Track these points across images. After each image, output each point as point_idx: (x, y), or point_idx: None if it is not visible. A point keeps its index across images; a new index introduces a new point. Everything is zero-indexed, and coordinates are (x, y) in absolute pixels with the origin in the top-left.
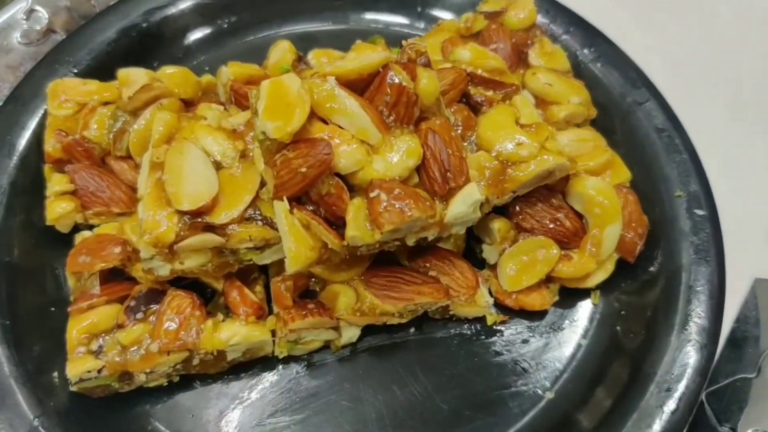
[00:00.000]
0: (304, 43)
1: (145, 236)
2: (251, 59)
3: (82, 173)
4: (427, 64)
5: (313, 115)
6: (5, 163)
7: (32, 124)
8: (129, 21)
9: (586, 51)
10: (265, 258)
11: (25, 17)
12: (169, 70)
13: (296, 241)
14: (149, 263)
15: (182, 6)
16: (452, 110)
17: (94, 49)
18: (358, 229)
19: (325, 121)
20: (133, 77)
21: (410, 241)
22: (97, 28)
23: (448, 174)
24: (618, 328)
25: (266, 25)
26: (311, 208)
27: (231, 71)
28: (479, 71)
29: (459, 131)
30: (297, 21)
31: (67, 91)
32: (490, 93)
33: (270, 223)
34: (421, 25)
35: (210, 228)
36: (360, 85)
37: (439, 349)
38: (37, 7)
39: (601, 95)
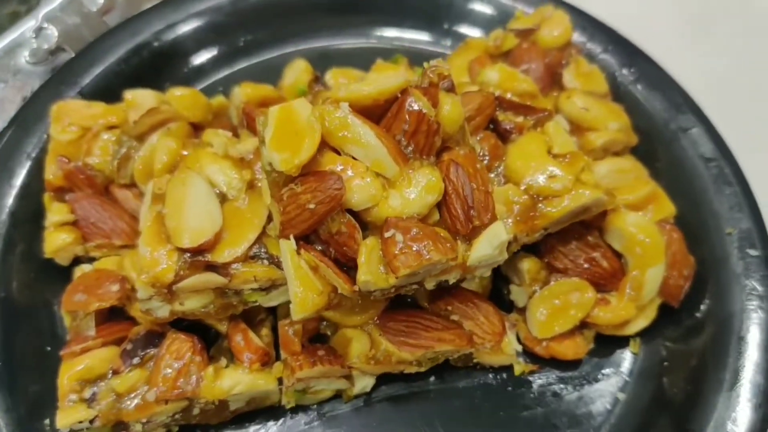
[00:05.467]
0: (324, 62)
1: (142, 275)
2: (268, 79)
3: (84, 203)
4: (451, 89)
5: (325, 145)
6: (5, 190)
7: (34, 150)
8: (139, 39)
9: (625, 71)
10: (272, 300)
11: (34, 35)
12: (177, 92)
13: (303, 286)
14: (147, 304)
15: (196, 24)
16: (478, 138)
17: (103, 69)
18: (371, 274)
19: (337, 152)
20: (140, 99)
21: (429, 285)
22: (106, 47)
23: (472, 211)
24: (662, 380)
25: (284, 43)
26: (320, 247)
27: (243, 93)
28: (508, 95)
29: (485, 161)
30: (316, 38)
31: (71, 114)
32: (520, 119)
33: (276, 263)
34: (448, 42)
35: (212, 267)
36: (377, 112)
37: (461, 400)
38: (46, 25)
39: (643, 121)
